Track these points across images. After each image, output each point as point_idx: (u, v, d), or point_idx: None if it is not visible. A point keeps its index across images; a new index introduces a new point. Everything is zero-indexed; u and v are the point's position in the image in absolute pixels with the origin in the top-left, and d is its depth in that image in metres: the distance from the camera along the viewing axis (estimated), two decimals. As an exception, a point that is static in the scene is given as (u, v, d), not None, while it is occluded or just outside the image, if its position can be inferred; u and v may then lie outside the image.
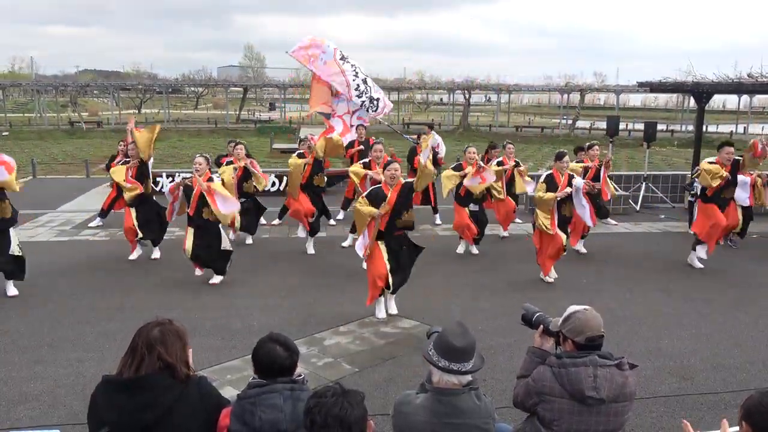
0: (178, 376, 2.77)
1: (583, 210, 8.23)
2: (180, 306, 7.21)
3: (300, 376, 2.95)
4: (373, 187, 7.08)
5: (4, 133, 35.25)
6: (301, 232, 9.96)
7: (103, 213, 11.43)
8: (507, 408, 4.70)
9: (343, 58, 8.47)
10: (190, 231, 7.94)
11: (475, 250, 9.78)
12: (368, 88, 8.39)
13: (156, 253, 9.28)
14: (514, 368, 5.55)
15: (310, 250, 9.67)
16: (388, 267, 6.70)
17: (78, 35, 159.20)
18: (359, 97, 8.24)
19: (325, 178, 10.26)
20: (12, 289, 7.51)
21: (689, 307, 7.49)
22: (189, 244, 7.90)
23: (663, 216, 13.19)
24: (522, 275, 8.62)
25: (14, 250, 7.46)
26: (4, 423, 4.62)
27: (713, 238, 8.85)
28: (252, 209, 10.25)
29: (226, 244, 8.09)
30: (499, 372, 5.59)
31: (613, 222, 12.05)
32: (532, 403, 3.21)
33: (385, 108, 8.53)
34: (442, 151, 12.54)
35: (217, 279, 8.06)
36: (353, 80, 8.31)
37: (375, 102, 8.49)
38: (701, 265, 8.96)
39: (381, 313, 6.94)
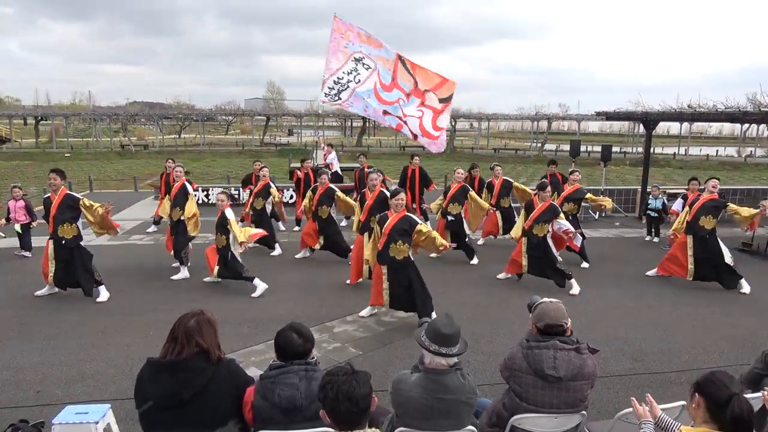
0: (211, 359, 2.77)
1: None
2: (213, 299, 7.19)
3: (313, 358, 2.93)
4: (383, 213, 6.58)
5: (66, 155, 35.29)
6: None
7: (156, 221, 11.65)
8: (488, 385, 4.69)
9: (359, 60, 8.66)
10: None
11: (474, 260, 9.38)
12: (347, 87, 8.69)
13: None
14: (494, 351, 5.57)
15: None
16: (386, 285, 6.39)
17: (128, 73, 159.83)
18: (334, 83, 8.61)
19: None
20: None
21: (641, 300, 7.46)
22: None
23: (617, 224, 13.18)
24: (499, 275, 8.59)
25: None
26: (64, 398, 4.59)
27: None
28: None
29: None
30: (480, 355, 5.57)
31: None
32: (506, 376, 3.24)
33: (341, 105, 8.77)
34: (335, 165, 14.38)
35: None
36: (343, 73, 8.62)
37: (336, 96, 8.76)
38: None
39: (364, 311, 6.67)
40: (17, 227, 9.53)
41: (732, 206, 8.03)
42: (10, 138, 42.40)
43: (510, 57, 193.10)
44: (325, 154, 14.88)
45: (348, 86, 8.77)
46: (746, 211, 8.00)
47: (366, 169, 11.64)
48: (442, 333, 2.95)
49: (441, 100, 8.95)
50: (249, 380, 2.92)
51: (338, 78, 8.72)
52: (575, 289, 7.63)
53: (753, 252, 10.23)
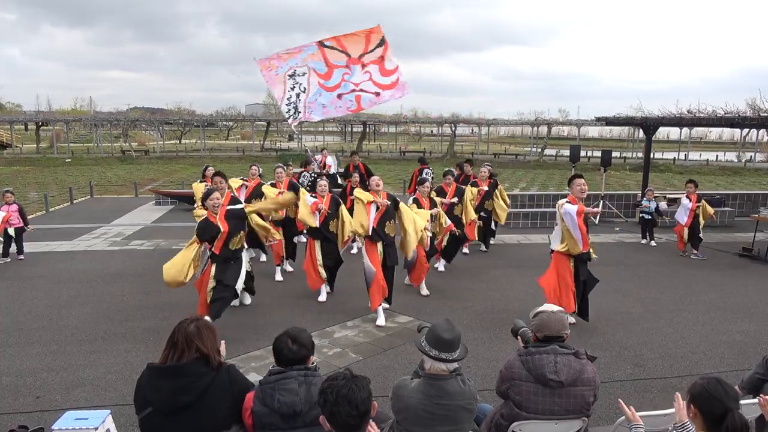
0: (211, 364, 2.76)
1: None
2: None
3: (313, 364, 2.93)
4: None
5: (67, 160, 35.32)
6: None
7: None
8: (488, 391, 4.67)
9: (292, 75, 9.08)
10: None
11: (465, 250, 10.01)
12: (298, 100, 9.09)
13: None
14: (494, 357, 5.56)
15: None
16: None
17: (130, 78, 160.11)
18: (287, 105, 9.04)
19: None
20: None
21: (640, 305, 7.45)
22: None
23: (618, 228, 13.16)
24: (499, 280, 8.60)
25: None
26: (64, 404, 4.58)
27: None
28: None
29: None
30: (480, 360, 5.56)
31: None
32: (505, 388, 3.20)
33: (308, 116, 9.11)
34: (333, 167, 14.66)
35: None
36: (288, 92, 9.01)
37: (296, 113, 9.18)
38: None
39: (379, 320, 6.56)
40: (11, 231, 9.60)
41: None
42: (11, 143, 42.42)
43: (510, 63, 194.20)
44: (322, 161, 15.25)
45: (299, 99, 9.25)
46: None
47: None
48: (442, 338, 2.95)
49: (377, 49, 9.25)
50: (249, 386, 2.91)
51: (288, 99, 9.20)
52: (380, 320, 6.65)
53: (753, 257, 10.22)
